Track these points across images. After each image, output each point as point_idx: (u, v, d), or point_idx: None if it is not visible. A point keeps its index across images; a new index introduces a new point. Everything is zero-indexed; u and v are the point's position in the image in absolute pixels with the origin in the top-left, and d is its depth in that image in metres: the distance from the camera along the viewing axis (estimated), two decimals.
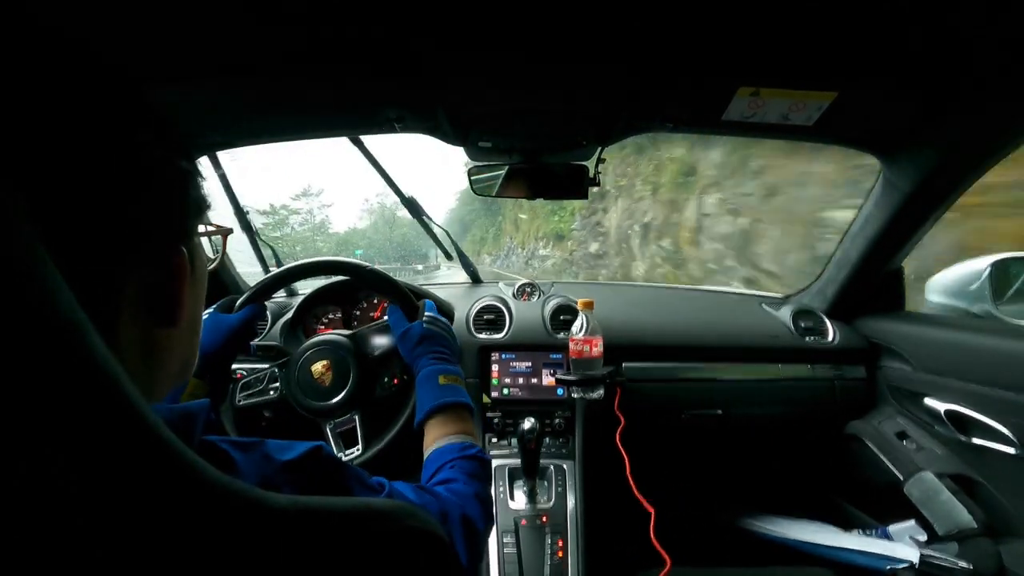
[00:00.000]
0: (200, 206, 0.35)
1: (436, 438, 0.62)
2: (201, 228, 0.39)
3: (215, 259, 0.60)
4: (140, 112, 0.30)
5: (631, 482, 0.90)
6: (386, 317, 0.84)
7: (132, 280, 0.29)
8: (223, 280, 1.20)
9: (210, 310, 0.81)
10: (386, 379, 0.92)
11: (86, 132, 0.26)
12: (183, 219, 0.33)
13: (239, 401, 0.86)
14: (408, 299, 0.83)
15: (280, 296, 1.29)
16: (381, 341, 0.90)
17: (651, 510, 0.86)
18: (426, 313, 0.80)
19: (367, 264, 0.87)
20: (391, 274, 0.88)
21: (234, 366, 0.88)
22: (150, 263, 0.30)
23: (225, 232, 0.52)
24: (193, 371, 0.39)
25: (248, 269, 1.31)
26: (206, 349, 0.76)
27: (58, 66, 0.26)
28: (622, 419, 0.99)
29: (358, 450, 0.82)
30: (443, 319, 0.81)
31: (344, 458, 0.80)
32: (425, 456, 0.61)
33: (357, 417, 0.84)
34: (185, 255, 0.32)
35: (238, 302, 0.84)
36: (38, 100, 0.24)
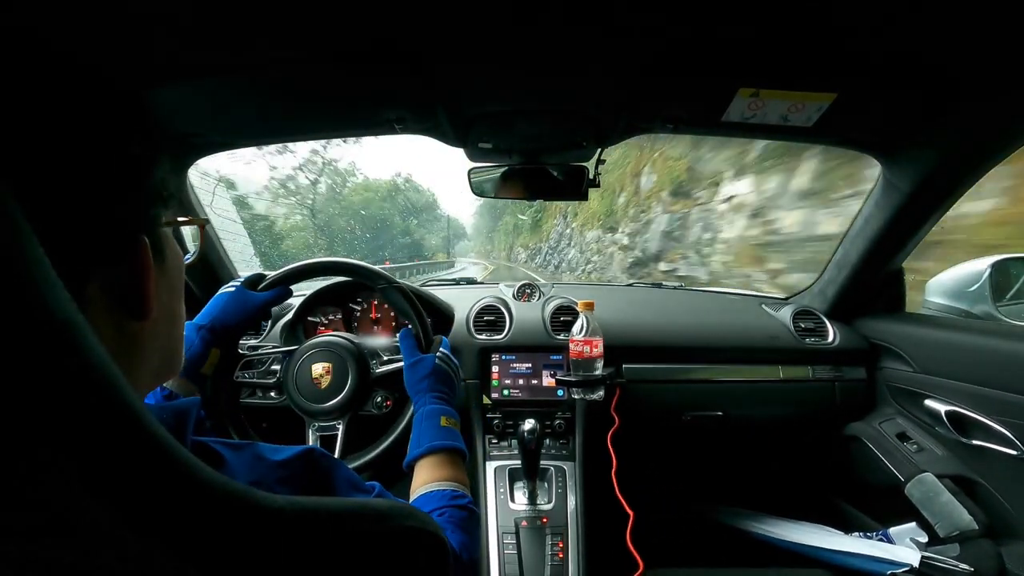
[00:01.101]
0: (162, 194, 0.34)
1: (427, 480, 0.60)
2: (178, 219, 0.39)
3: (194, 252, 0.59)
4: (93, 98, 0.29)
5: (615, 483, 0.91)
6: (396, 338, 0.83)
7: (95, 274, 0.28)
8: (216, 272, 1.17)
9: (237, 283, 0.81)
10: (380, 398, 0.92)
11: (38, 120, 0.25)
12: (143, 208, 0.32)
13: (238, 378, 0.87)
14: (426, 328, 0.83)
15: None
16: (387, 359, 0.89)
17: (630, 512, 0.86)
18: (441, 349, 0.79)
19: (395, 280, 0.87)
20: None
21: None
22: (111, 255, 0.29)
23: (201, 223, 0.50)
24: (181, 365, 0.38)
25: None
26: (229, 321, 0.77)
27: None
28: (616, 420, 0.99)
29: None
30: (455, 360, 0.81)
31: None
32: (412, 497, 0.60)
33: (342, 426, 0.84)
34: (147, 245, 0.31)
35: (265, 282, 0.84)
36: None
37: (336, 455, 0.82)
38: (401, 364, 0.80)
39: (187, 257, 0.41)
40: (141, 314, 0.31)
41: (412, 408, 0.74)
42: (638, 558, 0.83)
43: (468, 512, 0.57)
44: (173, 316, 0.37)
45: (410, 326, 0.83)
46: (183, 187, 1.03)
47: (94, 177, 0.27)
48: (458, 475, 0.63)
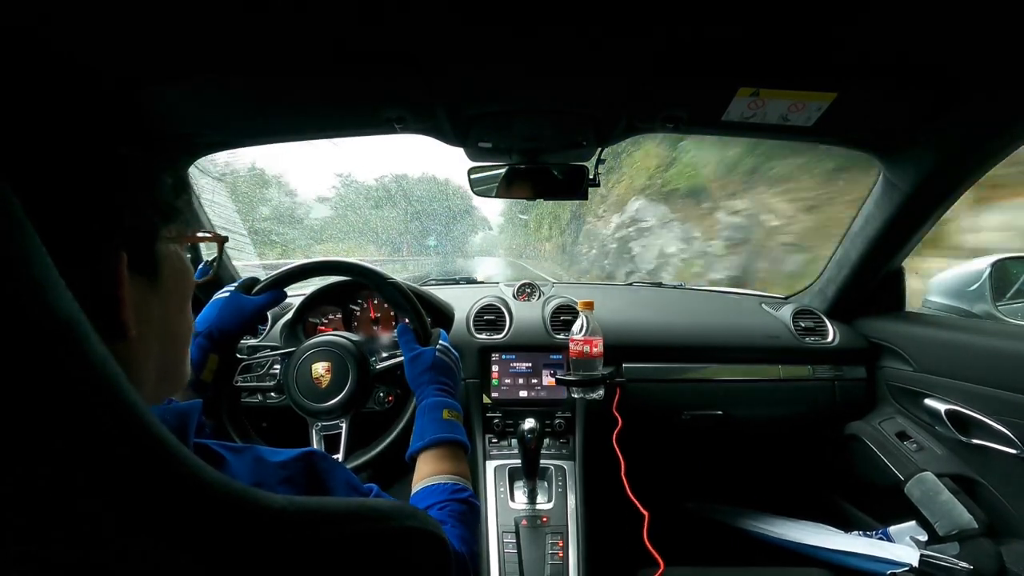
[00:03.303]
0: (162, 209, 0.33)
1: (429, 473, 0.60)
2: (198, 235, 0.38)
3: (211, 270, 0.58)
4: (97, 111, 0.29)
5: (625, 483, 0.90)
6: (395, 334, 0.83)
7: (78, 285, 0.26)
8: (220, 277, 1.17)
9: (231, 288, 0.81)
10: (381, 394, 0.92)
11: (36, 128, 0.25)
12: (123, 219, 0.30)
13: (238, 382, 0.87)
14: (424, 322, 0.83)
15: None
16: (386, 355, 0.89)
17: (645, 513, 0.86)
18: (440, 342, 0.79)
19: (390, 276, 0.87)
20: None
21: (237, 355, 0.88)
22: (88, 268, 0.27)
23: (220, 240, 0.48)
24: (184, 383, 0.38)
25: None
26: (225, 327, 0.77)
27: (9, 61, 0.25)
28: (619, 420, 0.99)
29: (338, 458, 0.82)
30: (454, 352, 0.81)
31: None
32: (414, 489, 0.60)
33: (345, 424, 0.84)
34: (124, 261, 0.29)
35: (259, 285, 0.83)
36: None
37: (341, 453, 0.82)
38: (401, 359, 0.80)
39: (198, 274, 0.40)
40: (116, 332, 0.29)
41: (414, 402, 0.74)
42: (658, 557, 0.82)
43: (468, 506, 0.57)
44: (170, 334, 0.35)
45: (407, 321, 0.83)
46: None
47: (54, 178, 0.26)
48: (459, 468, 0.63)
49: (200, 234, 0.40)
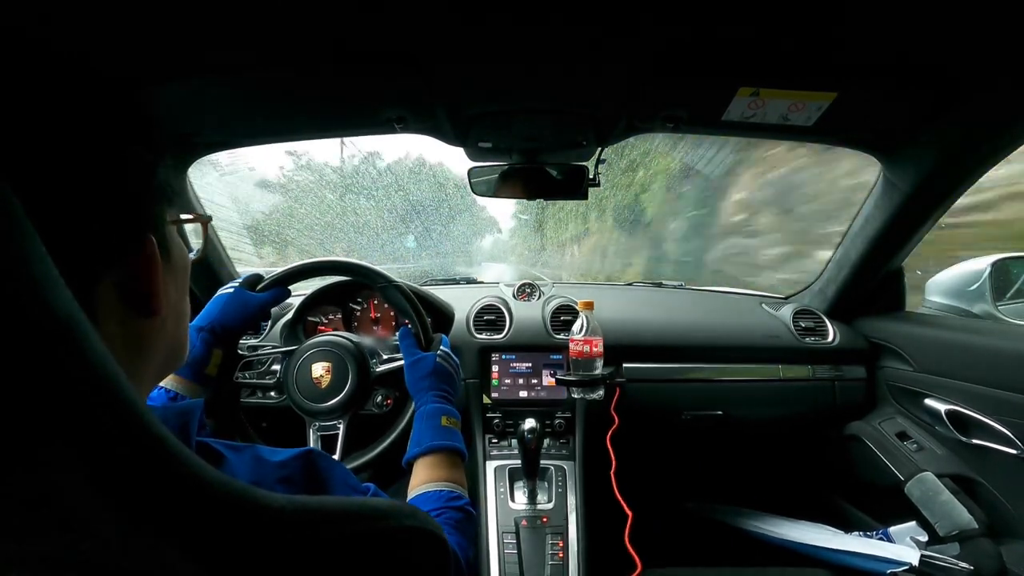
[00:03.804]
0: (166, 193, 0.34)
1: (425, 480, 0.60)
2: (182, 216, 0.39)
3: (199, 249, 0.59)
4: (98, 101, 0.29)
5: (614, 483, 0.91)
6: (396, 337, 0.83)
7: (104, 273, 0.28)
8: (216, 272, 1.16)
9: (235, 284, 0.81)
10: (380, 397, 0.92)
11: (44, 123, 0.25)
12: (148, 207, 0.32)
13: (239, 378, 0.87)
14: (426, 326, 0.82)
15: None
16: (387, 358, 0.90)
17: (629, 513, 0.86)
18: (441, 348, 0.79)
19: (396, 279, 0.87)
20: None
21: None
22: (119, 254, 0.29)
23: (204, 220, 0.49)
24: (184, 360, 0.39)
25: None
26: (229, 322, 0.77)
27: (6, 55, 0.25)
28: (616, 420, 0.99)
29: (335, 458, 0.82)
30: (455, 358, 0.81)
31: None
32: (409, 496, 0.60)
33: (343, 425, 0.84)
34: (154, 243, 0.31)
35: (264, 282, 0.83)
36: None
37: (337, 454, 0.82)
38: (401, 363, 0.80)
39: (192, 254, 0.41)
40: (150, 311, 0.31)
41: (413, 406, 0.74)
42: (636, 559, 0.83)
43: (464, 514, 0.57)
44: (179, 313, 0.37)
45: (409, 325, 0.83)
46: (184, 186, 1.03)
47: (96, 176, 0.28)
48: (456, 476, 0.63)
49: (186, 216, 0.40)
